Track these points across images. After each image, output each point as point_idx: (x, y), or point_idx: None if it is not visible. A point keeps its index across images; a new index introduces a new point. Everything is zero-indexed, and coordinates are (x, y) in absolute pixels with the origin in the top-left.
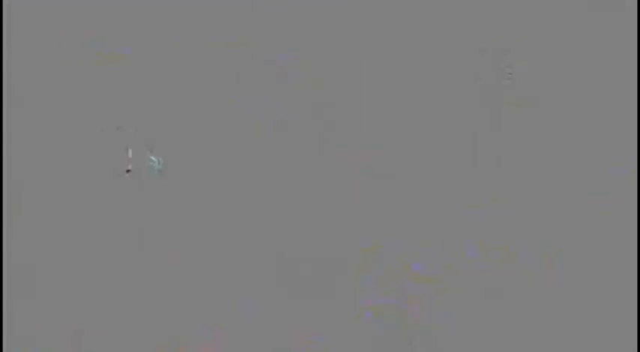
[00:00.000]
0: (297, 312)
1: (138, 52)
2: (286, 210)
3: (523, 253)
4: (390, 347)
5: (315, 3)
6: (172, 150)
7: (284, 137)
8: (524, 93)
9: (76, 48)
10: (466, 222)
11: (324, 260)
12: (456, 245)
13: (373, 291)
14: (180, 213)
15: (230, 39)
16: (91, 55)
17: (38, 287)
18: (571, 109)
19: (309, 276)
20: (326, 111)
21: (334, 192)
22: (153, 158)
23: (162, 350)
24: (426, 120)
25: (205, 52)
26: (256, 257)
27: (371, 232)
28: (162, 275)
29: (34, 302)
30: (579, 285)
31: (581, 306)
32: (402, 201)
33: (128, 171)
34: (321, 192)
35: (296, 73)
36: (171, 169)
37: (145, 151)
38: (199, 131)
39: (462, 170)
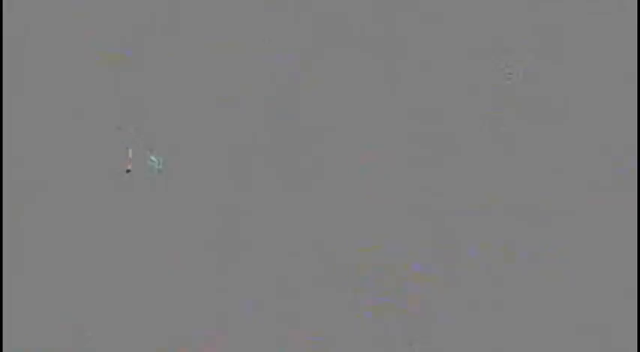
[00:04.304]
0: (297, 312)
1: (138, 52)
2: (286, 210)
3: (523, 253)
4: (390, 347)
5: (314, 4)
6: (172, 150)
7: (284, 137)
8: (525, 94)
9: (77, 48)
10: (466, 222)
11: (324, 260)
12: (456, 245)
13: (373, 291)
14: (181, 213)
15: (231, 39)
16: (91, 56)
17: (38, 287)
18: (571, 110)
19: (309, 276)
20: (325, 112)
21: (334, 192)
22: (153, 158)
23: (163, 350)
24: (425, 121)
25: (206, 52)
26: (256, 257)
27: (371, 232)
28: (162, 275)
29: (33, 302)
30: (580, 285)
31: (582, 306)
32: (402, 201)
33: (128, 171)
34: (320, 192)
35: (297, 73)
36: (171, 169)
37: (145, 151)
38: (199, 131)
39: (461, 170)
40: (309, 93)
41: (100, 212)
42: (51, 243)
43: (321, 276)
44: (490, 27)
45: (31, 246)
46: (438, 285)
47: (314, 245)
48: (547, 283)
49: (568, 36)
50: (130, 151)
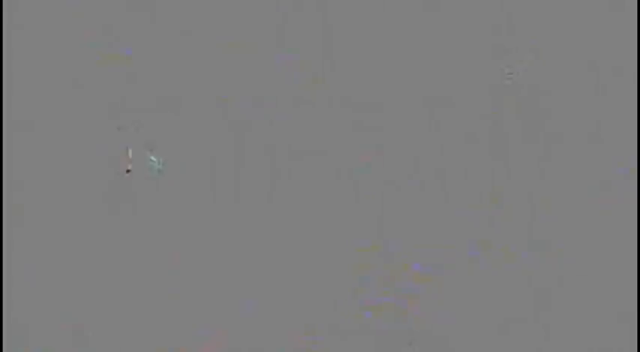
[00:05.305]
0: (297, 312)
1: (138, 52)
2: (286, 209)
3: (523, 253)
4: (390, 347)
5: (315, 3)
6: (172, 150)
7: (284, 136)
8: (525, 94)
9: (77, 48)
10: (466, 222)
11: (324, 260)
12: (456, 244)
13: (373, 291)
14: (181, 212)
15: (231, 39)
16: (91, 56)
17: (38, 287)
18: (571, 110)
19: (309, 276)
20: (325, 112)
21: (333, 191)
22: (153, 158)
23: (163, 350)
24: (425, 121)
25: (206, 52)
26: (256, 257)
27: (371, 232)
28: (162, 275)
29: (33, 302)
30: (580, 285)
31: (582, 306)
32: (401, 201)
33: (128, 171)
34: (321, 192)
35: (297, 72)
36: (171, 169)
37: (145, 151)
38: (200, 131)
39: (461, 169)
40: (308, 94)
41: (100, 212)
42: (51, 243)
43: (320, 276)
44: (490, 27)
45: (31, 246)
46: (437, 285)
47: (314, 245)
48: (547, 283)
49: (568, 36)
50: (130, 151)
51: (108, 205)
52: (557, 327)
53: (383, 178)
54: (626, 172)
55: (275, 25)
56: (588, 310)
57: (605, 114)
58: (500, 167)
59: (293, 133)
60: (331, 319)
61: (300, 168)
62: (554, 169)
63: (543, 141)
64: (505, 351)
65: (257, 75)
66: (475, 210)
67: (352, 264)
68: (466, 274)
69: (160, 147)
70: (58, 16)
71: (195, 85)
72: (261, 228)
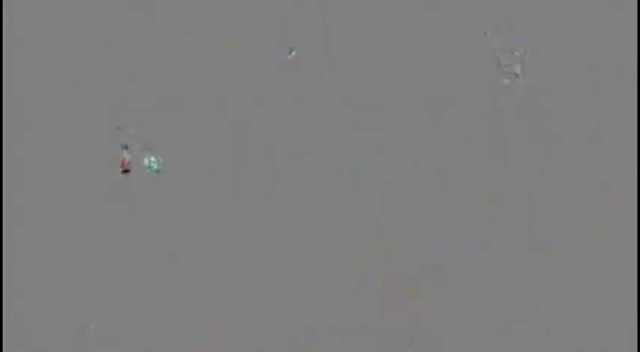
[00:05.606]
0: (297, 312)
1: (138, 52)
2: (286, 209)
3: (523, 253)
4: (390, 347)
5: (315, 3)
6: (172, 150)
7: (284, 136)
8: (525, 94)
9: (77, 48)
10: (466, 222)
11: (324, 260)
12: (456, 244)
13: (373, 291)
14: (181, 212)
15: (231, 39)
16: (91, 56)
17: (38, 287)
18: (571, 110)
19: (309, 276)
20: (325, 112)
21: (333, 191)
22: (152, 158)
23: (163, 350)
24: (425, 121)
25: (206, 52)
26: (256, 257)
27: (371, 232)
28: (162, 275)
29: (34, 302)
30: (580, 285)
31: (582, 306)
32: (401, 201)
33: (127, 171)
34: (321, 192)
35: (297, 72)
36: (171, 169)
37: (145, 151)
38: (200, 131)
39: (461, 169)
40: (308, 93)
41: (99, 212)
42: (50, 243)
43: (320, 276)
44: (490, 27)
45: (31, 245)
46: (438, 285)
47: (314, 245)
48: (547, 283)
49: (568, 36)
50: (129, 151)
51: (107, 205)
52: (557, 327)
53: (383, 178)
54: (626, 172)
55: (275, 25)
56: (588, 310)
57: (605, 114)
58: (500, 167)
59: (293, 133)
60: (331, 319)
61: (300, 168)
62: (554, 169)
63: (543, 141)
64: (505, 351)
65: (257, 75)
66: (475, 210)
67: (352, 264)
68: (466, 274)
69: (160, 147)
70: (59, 16)
71: (195, 85)
72: (261, 228)
